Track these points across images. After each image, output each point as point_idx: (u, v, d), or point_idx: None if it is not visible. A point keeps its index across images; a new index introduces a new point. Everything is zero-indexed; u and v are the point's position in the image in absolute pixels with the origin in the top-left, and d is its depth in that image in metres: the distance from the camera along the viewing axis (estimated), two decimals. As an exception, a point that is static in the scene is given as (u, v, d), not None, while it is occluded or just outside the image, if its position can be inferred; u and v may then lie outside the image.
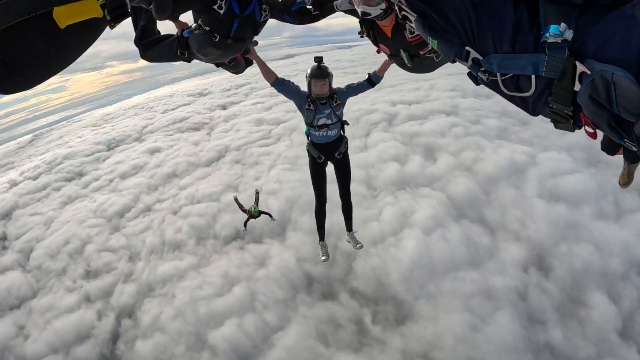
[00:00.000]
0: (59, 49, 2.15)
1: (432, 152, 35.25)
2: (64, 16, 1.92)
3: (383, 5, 3.86)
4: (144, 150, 52.21)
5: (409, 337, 21.45)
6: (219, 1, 4.26)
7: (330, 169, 7.64)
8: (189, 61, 5.27)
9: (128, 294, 27.95)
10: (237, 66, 5.98)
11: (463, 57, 2.14)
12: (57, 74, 2.33)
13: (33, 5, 1.85)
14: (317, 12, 5.04)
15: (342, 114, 7.23)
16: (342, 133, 7.48)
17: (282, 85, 6.91)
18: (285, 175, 35.98)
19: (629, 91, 1.49)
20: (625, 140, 1.68)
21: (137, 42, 5.16)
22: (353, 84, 7.23)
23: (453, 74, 47.07)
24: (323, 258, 8.00)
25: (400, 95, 49.26)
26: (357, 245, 8.10)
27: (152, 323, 24.89)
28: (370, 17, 3.95)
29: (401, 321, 22.33)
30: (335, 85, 7.19)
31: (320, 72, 6.82)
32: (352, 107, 45.09)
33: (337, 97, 7.06)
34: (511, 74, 2.00)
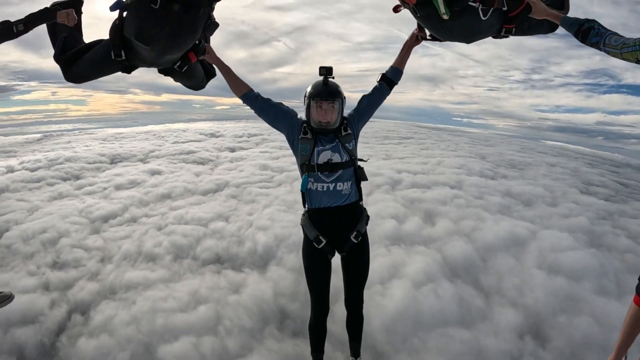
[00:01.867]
0: None
1: (431, 216, 34.86)
2: None
3: None
4: (145, 169, 53.75)
5: (381, 391, 19.66)
6: None
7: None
8: (129, 70, 4.17)
9: (88, 291, 26.59)
10: (192, 74, 4.68)
11: None
12: None
13: None
14: None
15: (355, 152, 5.10)
16: (359, 197, 5.21)
17: (256, 101, 5.03)
18: (279, 215, 35.08)
19: None
20: None
21: (58, 57, 4.24)
22: (364, 99, 5.28)
23: (461, 156, 49.75)
24: None
25: (407, 165, 50.44)
26: None
27: (103, 324, 22.95)
28: None
29: None
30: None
31: (326, 90, 4.87)
32: (365, 167, 45.43)
33: (347, 125, 5.04)
34: None
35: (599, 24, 3.44)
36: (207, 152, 65.08)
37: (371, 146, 64.63)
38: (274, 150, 61.77)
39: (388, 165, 48.75)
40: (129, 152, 65.07)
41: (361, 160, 5.12)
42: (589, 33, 3.52)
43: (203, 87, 4.89)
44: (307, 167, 4.86)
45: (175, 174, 52.08)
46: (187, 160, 60.52)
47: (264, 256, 29.08)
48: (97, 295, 26.21)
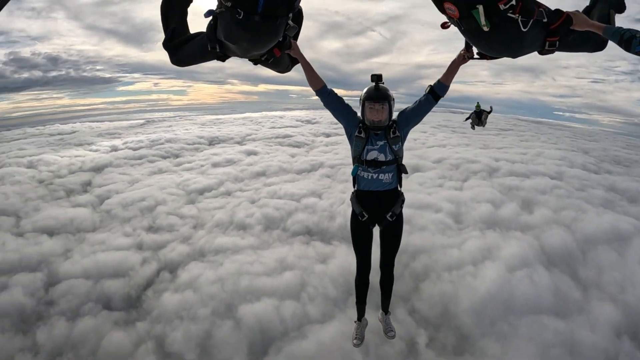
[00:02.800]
0: None
1: (529, 204, 33.87)
2: None
3: None
4: (241, 150, 56.50)
5: (463, 373, 18.41)
6: None
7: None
8: (223, 59, 4.59)
9: (178, 252, 28.52)
10: (278, 63, 5.03)
11: None
12: None
13: None
14: None
15: (400, 151, 5.54)
16: (399, 186, 5.74)
17: (329, 97, 5.53)
18: None
19: None
20: None
21: (166, 43, 4.61)
22: (411, 106, 5.57)
23: (562, 149, 49.53)
24: (355, 342, 6.68)
25: (505, 155, 49.36)
26: (389, 333, 6.65)
27: (189, 282, 24.87)
28: None
29: (460, 353, 19.77)
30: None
31: (378, 94, 5.34)
32: (454, 155, 47.54)
33: (396, 128, 5.48)
34: None
35: None
36: (302, 136, 67.08)
37: (468, 136, 64.23)
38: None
39: (485, 154, 48.10)
40: (226, 135, 68.21)
41: (403, 168, 5.69)
42: (631, 42, 3.49)
43: (289, 71, 5.34)
44: (357, 160, 5.50)
45: (271, 154, 53.91)
46: (282, 143, 62.47)
47: None
48: (187, 256, 28.00)
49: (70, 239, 30.40)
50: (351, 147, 5.60)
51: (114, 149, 58.48)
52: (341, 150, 52.26)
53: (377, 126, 5.37)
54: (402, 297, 23.29)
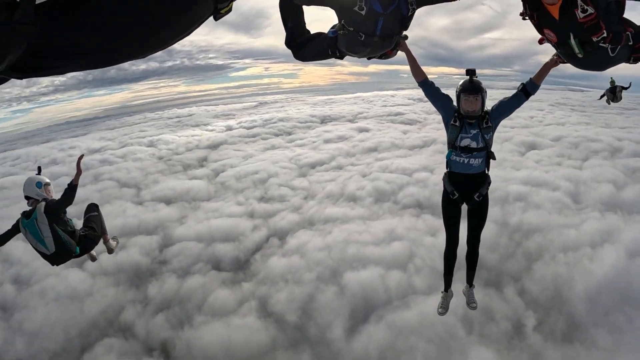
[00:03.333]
0: (158, 10, 1.55)
1: None
2: None
3: None
4: (353, 127, 56.71)
5: (573, 360, 17.56)
6: (358, 2, 3.94)
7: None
8: (342, 58, 4.92)
9: (288, 220, 29.30)
10: (387, 56, 5.35)
11: None
12: (154, 51, 1.74)
13: None
14: None
15: (491, 140, 6.00)
16: (487, 170, 6.17)
17: (431, 88, 6.01)
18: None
19: None
20: None
21: (288, 43, 4.98)
22: (504, 100, 5.98)
23: None
24: (440, 310, 6.94)
25: (630, 135, 45.24)
26: (472, 305, 6.96)
27: (296, 248, 25.43)
28: None
29: (569, 340, 18.67)
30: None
31: (472, 87, 5.73)
32: (573, 134, 45.75)
33: (489, 119, 5.89)
34: None
35: None
36: (414, 114, 65.88)
37: (588, 115, 61.20)
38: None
39: (607, 133, 45.03)
40: (338, 114, 68.85)
41: (492, 155, 6.00)
42: None
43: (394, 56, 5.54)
44: (451, 146, 5.87)
45: (383, 131, 53.79)
46: (394, 120, 61.95)
47: (465, 209, 29.01)
48: (296, 225, 28.78)
49: (186, 207, 32.36)
50: (447, 133, 5.94)
51: (229, 128, 61.52)
52: None
53: (471, 115, 5.72)
54: (513, 276, 22.55)
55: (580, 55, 3.92)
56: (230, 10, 1.99)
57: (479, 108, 5.68)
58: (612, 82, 18.35)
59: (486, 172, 6.05)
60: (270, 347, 19.37)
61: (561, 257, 22.59)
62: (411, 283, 21.86)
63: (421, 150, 43.36)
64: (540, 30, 4.05)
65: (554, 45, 4.24)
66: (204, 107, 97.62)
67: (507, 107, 5.86)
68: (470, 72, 5.72)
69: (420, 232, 25.94)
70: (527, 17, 4.00)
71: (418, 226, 26.80)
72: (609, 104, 19.16)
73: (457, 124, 5.74)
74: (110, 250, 7.95)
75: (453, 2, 4.18)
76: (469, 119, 5.74)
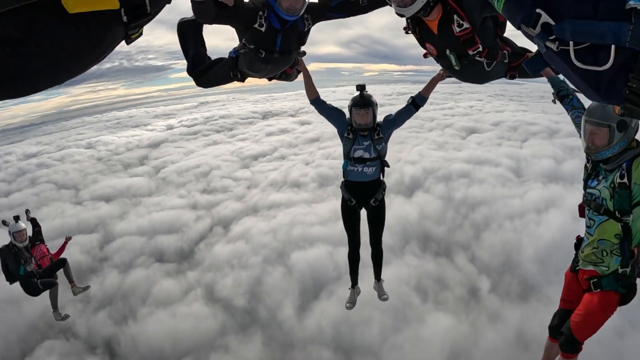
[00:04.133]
0: (68, 44, 1.54)
1: None
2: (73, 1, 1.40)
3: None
4: (295, 121, 57.24)
5: (531, 318, 17.94)
6: (258, 20, 4.21)
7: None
8: (243, 80, 5.15)
9: (232, 209, 29.05)
10: (288, 77, 5.73)
11: (531, 22, 1.72)
12: (65, 81, 1.69)
13: None
14: (366, 4, 4.57)
15: (383, 150, 6.41)
16: (382, 176, 6.62)
17: (323, 105, 6.45)
18: (429, 152, 36.38)
19: None
20: None
21: (190, 71, 5.14)
22: (391, 115, 6.41)
23: None
24: (347, 305, 7.34)
25: (566, 118, 46.37)
26: (383, 297, 7.22)
27: (241, 234, 25.28)
28: (406, 17, 3.74)
29: (525, 299, 19.19)
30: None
31: (363, 101, 6.11)
32: (511, 119, 47.91)
33: (380, 130, 6.29)
34: (587, 44, 1.63)
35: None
36: None
37: (526, 103, 63.14)
38: (425, 105, 60.87)
39: (545, 118, 47.21)
40: (279, 109, 69.61)
41: (386, 163, 6.44)
42: (563, 99, 4.87)
43: (296, 78, 5.99)
44: (346, 157, 6.23)
45: (325, 123, 52.42)
46: None
47: (411, 185, 30.18)
48: (240, 212, 28.41)
49: (127, 203, 31.57)
50: (342, 144, 6.33)
51: (170, 127, 61.06)
52: (395, 106, 54.47)
53: (363, 128, 6.06)
54: (462, 245, 22.99)
55: (457, 68, 4.20)
56: (141, 34, 1.92)
57: (370, 120, 6.05)
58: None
59: (381, 178, 6.50)
60: (219, 333, 18.99)
61: (508, 225, 23.20)
62: (361, 257, 21.55)
63: (364, 139, 43.91)
64: (422, 45, 4.25)
65: (435, 58, 4.47)
66: (144, 109, 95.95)
67: (398, 118, 6.26)
68: (360, 87, 6.15)
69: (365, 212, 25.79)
70: (409, 32, 4.22)
71: (365, 205, 26.70)
72: (554, 103, 19.78)
73: (350, 136, 6.15)
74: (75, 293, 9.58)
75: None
76: (362, 132, 6.13)
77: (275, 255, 22.33)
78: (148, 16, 1.75)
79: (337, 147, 38.23)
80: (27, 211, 9.30)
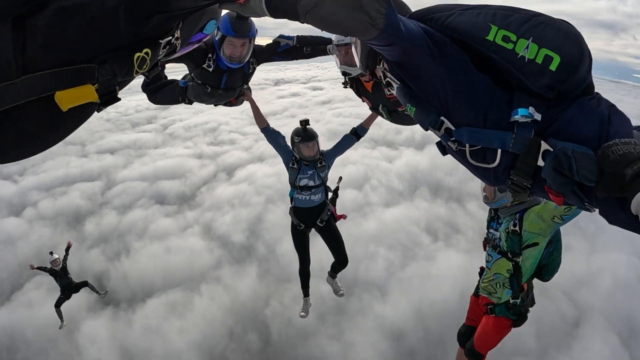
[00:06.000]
0: (57, 130, 1.85)
1: None
2: (66, 100, 1.69)
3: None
4: (307, 87, 57.52)
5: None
6: (207, 61, 4.48)
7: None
8: (191, 104, 5.30)
9: (237, 157, 29.20)
10: (233, 105, 5.73)
11: (437, 126, 2.11)
12: (44, 150, 1.88)
13: (36, 89, 1.63)
14: (309, 52, 4.90)
15: (326, 177, 6.64)
16: (327, 199, 6.84)
17: (272, 134, 6.51)
18: None
19: (587, 162, 1.67)
20: (585, 203, 1.82)
21: (144, 88, 5.24)
22: (336, 144, 6.57)
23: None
24: (302, 314, 7.23)
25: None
26: (339, 292, 7.36)
27: (245, 177, 25.36)
28: (351, 76, 3.93)
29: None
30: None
31: (307, 135, 6.16)
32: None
33: (323, 159, 6.36)
34: (479, 146, 2.03)
35: None
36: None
37: None
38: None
39: None
40: (292, 77, 69.63)
41: (329, 188, 6.73)
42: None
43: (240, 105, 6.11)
44: (292, 185, 6.40)
45: (337, 88, 53.20)
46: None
47: (422, 141, 29.41)
48: (245, 161, 28.20)
49: (132, 155, 31.76)
50: (288, 174, 6.52)
51: None
52: None
53: (309, 160, 6.20)
54: (475, 195, 20.85)
55: (388, 119, 4.32)
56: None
57: (316, 152, 6.16)
58: None
59: (326, 200, 6.72)
60: (213, 267, 18.88)
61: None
62: (368, 200, 22.14)
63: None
64: (359, 96, 4.38)
65: (370, 108, 4.68)
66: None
67: (339, 148, 6.43)
68: (304, 122, 6.22)
69: (376, 159, 26.31)
70: (347, 86, 4.28)
71: (373, 155, 27.22)
72: None
73: (295, 166, 6.29)
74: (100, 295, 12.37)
75: None
76: (306, 162, 6.30)
77: (279, 195, 21.86)
78: (118, 99, 1.96)
79: (348, 108, 39.52)
80: (51, 253, 11.51)
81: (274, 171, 24.61)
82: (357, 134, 6.27)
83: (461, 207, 21.71)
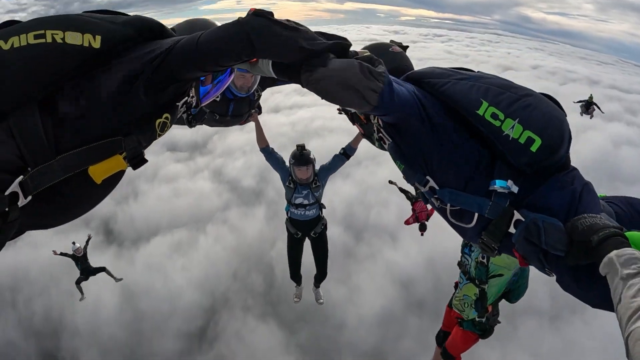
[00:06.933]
0: (96, 195, 2.25)
1: None
2: (98, 173, 2.02)
3: None
4: None
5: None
6: None
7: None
8: (202, 124, 5.00)
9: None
10: (241, 124, 5.72)
11: (422, 184, 2.34)
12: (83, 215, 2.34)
13: (71, 167, 1.96)
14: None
15: (320, 196, 6.95)
16: (321, 214, 7.15)
17: (271, 154, 6.83)
18: None
19: (555, 232, 1.92)
20: (546, 269, 2.04)
21: None
22: (325, 165, 6.81)
23: None
24: (295, 300, 8.28)
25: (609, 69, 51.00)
26: (319, 301, 8.26)
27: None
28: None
29: None
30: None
31: (303, 159, 6.48)
32: (551, 64, 50.44)
33: (317, 179, 6.71)
34: (459, 207, 2.24)
35: None
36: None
37: (565, 60, 61.56)
38: (459, 47, 63.21)
39: (585, 68, 48.51)
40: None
41: (322, 205, 7.08)
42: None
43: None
44: (288, 202, 6.85)
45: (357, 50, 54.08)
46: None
47: None
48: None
49: None
50: (285, 191, 6.87)
51: None
52: (430, 45, 57.78)
53: (303, 183, 6.58)
54: None
55: (379, 148, 4.17)
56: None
57: (310, 176, 6.54)
58: (591, 97, 20.09)
59: (320, 215, 7.05)
60: (221, 209, 18.86)
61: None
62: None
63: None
64: (352, 122, 4.04)
65: (361, 134, 5.17)
66: None
67: (331, 168, 6.69)
68: (300, 147, 6.51)
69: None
70: (342, 113, 4.16)
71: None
72: (582, 115, 20.88)
73: (292, 185, 6.64)
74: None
75: None
76: (301, 184, 6.73)
77: (293, 142, 21.09)
78: (146, 161, 2.28)
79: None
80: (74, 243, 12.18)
81: (288, 121, 24.76)
82: (346, 153, 6.62)
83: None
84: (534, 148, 2.05)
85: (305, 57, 2.15)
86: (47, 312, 16.57)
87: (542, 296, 16.78)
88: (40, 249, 17.78)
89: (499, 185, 2.05)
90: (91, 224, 18.29)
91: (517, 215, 2.04)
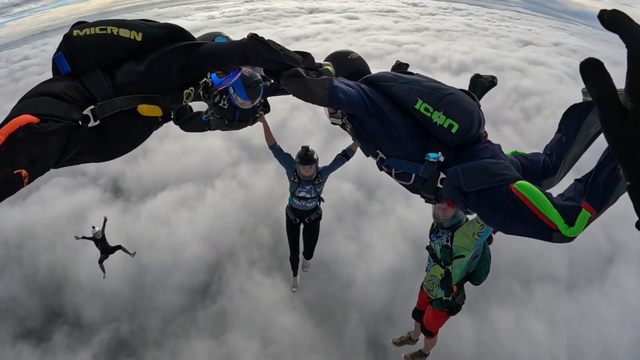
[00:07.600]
0: (136, 133, 2.98)
1: None
2: (144, 110, 2.79)
3: None
4: (342, 16, 57.42)
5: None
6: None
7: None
8: (214, 130, 5.68)
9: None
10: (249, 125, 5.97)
11: (375, 156, 3.10)
12: (121, 155, 3.07)
13: (127, 103, 2.73)
14: None
15: (321, 191, 7.52)
16: (318, 206, 7.75)
17: (279, 151, 7.17)
18: (482, 48, 38.24)
19: (472, 172, 2.68)
20: (468, 209, 2.79)
21: (176, 122, 5.58)
22: (328, 165, 7.18)
23: None
24: (293, 289, 9.08)
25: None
26: (304, 269, 8.83)
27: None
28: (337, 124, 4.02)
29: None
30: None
31: (307, 159, 6.92)
32: (573, 42, 50.98)
33: (319, 176, 7.18)
34: (401, 171, 2.98)
35: None
36: (407, 13, 64.74)
37: (588, 41, 58.79)
38: (480, 21, 62.34)
39: (608, 49, 44.23)
40: (327, 7, 67.49)
41: (321, 199, 7.67)
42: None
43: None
44: (292, 194, 7.39)
45: (373, 19, 53.14)
46: (386, 16, 61.07)
47: (458, 69, 30.17)
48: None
49: None
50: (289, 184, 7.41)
51: (211, 17, 62.45)
52: (450, 17, 57.20)
53: (307, 180, 7.08)
54: (509, 121, 23.65)
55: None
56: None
57: (313, 173, 6.95)
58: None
59: (318, 205, 7.61)
60: (230, 165, 19.08)
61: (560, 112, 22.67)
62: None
63: (412, 33, 44.11)
64: (344, 130, 4.16)
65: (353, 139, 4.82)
66: (185, 5, 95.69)
67: (333, 167, 7.06)
68: (305, 148, 6.87)
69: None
70: (335, 125, 4.17)
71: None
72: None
73: (296, 180, 7.10)
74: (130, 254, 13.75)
75: None
76: (305, 180, 7.21)
77: (305, 104, 21.08)
78: (171, 119, 3.34)
79: (384, 35, 38.82)
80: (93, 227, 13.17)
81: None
82: (346, 155, 6.98)
83: (496, 131, 21.69)
84: (453, 130, 2.77)
85: (280, 67, 2.98)
86: (51, 268, 16.75)
87: (559, 264, 16.89)
88: (49, 205, 18.33)
89: (431, 156, 2.79)
90: (99, 180, 18.58)
91: (442, 175, 2.82)
